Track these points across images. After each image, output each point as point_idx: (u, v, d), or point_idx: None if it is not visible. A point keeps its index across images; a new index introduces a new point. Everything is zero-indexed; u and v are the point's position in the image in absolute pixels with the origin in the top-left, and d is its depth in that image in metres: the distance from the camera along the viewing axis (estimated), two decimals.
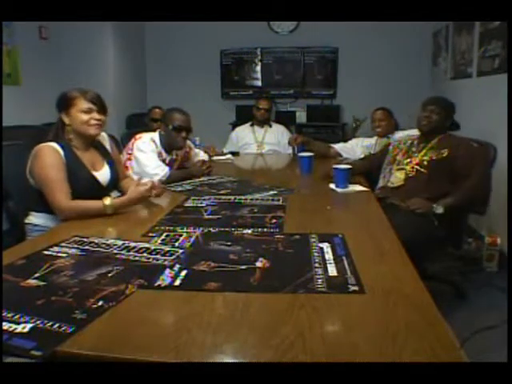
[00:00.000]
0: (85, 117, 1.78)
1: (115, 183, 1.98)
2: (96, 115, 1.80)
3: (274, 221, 1.66)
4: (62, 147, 1.75)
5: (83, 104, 1.78)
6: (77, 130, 1.80)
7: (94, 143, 1.91)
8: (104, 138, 2.00)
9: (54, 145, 1.74)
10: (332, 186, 2.22)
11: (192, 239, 1.45)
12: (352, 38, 5.13)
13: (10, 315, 0.94)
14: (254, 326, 0.93)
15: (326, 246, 1.37)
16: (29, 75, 4.05)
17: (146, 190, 1.81)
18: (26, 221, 1.81)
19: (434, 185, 2.22)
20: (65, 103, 1.79)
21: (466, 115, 2.58)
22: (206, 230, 1.55)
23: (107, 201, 1.70)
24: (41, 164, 1.71)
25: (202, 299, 1.04)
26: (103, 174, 1.89)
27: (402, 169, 2.36)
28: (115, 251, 1.33)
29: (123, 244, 1.39)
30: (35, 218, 1.80)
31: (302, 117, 5.36)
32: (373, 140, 3.20)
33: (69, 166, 1.74)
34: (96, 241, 1.42)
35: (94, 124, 1.80)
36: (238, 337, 0.89)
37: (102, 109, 1.82)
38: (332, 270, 1.19)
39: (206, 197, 2.04)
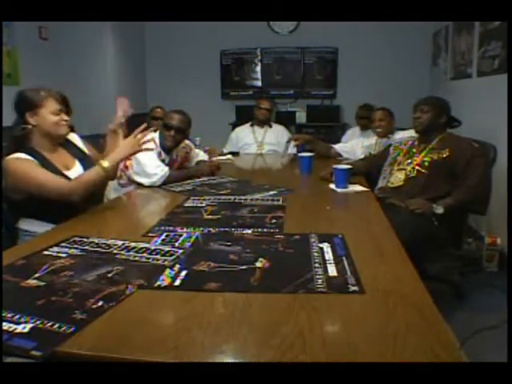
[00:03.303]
0: (55, 118, 1.76)
1: None
2: (65, 116, 1.80)
3: (273, 221, 1.66)
4: (29, 154, 1.71)
5: (54, 105, 1.76)
6: (45, 130, 1.76)
7: (61, 143, 1.88)
8: (75, 138, 1.98)
9: (21, 155, 1.70)
10: (332, 186, 2.22)
11: (192, 239, 1.45)
12: (352, 38, 5.14)
13: (10, 315, 0.94)
14: (254, 325, 0.93)
15: (326, 245, 1.37)
16: (29, 75, 4.04)
17: (135, 136, 1.82)
18: (17, 225, 1.79)
19: (434, 185, 2.22)
20: (31, 103, 1.73)
21: (466, 115, 2.58)
22: (205, 230, 1.55)
23: (105, 163, 1.72)
24: (19, 176, 1.68)
25: (202, 299, 1.04)
26: (76, 173, 1.83)
27: (403, 169, 2.35)
28: (115, 251, 1.33)
29: (123, 244, 1.39)
30: (24, 223, 1.78)
31: (301, 117, 5.37)
32: (373, 140, 3.20)
33: (41, 166, 1.71)
34: (96, 241, 1.42)
35: (63, 124, 1.80)
36: (237, 337, 0.89)
37: (68, 110, 1.82)
38: (332, 270, 1.19)
39: (206, 197, 2.05)
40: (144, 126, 1.89)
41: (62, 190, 1.67)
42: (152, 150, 1.90)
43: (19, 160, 1.69)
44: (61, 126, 1.79)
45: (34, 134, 1.76)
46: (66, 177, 1.78)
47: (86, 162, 1.91)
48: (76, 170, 1.85)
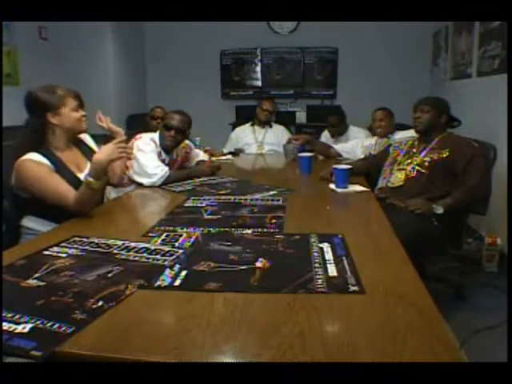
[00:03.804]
0: (77, 114, 1.79)
1: None
2: (83, 112, 1.83)
3: (273, 221, 1.66)
4: (44, 155, 1.71)
5: (73, 102, 1.78)
6: (68, 128, 1.78)
7: (75, 142, 1.89)
8: (87, 138, 1.99)
9: (35, 156, 1.69)
10: (332, 186, 2.22)
11: (192, 239, 1.45)
12: (352, 38, 5.14)
13: (9, 315, 0.94)
14: (254, 326, 0.93)
15: (326, 246, 1.37)
16: (29, 75, 4.05)
17: (114, 144, 1.71)
18: (21, 223, 1.79)
19: (434, 185, 2.22)
20: (51, 104, 1.74)
21: (466, 115, 2.58)
22: (205, 230, 1.55)
23: (90, 178, 1.63)
24: (31, 180, 1.67)
25: (202, 299, 1.04)
26: None
27: (403, 169, 2.36)
28: (115, 251, 1.33)
29: (123, 244, 1.39)
30: (28, 221, 1.78)
31: (301, 117, 5.37)
32: (373, 140, 3.20)
33: (55, 170, 1.71)
34: (96, 241, 1.42)
35: (84, 120, 1.83)
36: (237, 337, 0.89)
37: (83, 105, 1.84)
38: (332, 270, 1.19)
39: (206, 197, 2.04)
40: (122, 138, 1.87)
41: (69, 203, 1.66)
42: (130, 158, 1.87)
43: (33, 162, 1.69)
44: (82, 122, 1.82)
45: (50, 133, 1.77)
46: (79, 179, 1.78)
47: None
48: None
